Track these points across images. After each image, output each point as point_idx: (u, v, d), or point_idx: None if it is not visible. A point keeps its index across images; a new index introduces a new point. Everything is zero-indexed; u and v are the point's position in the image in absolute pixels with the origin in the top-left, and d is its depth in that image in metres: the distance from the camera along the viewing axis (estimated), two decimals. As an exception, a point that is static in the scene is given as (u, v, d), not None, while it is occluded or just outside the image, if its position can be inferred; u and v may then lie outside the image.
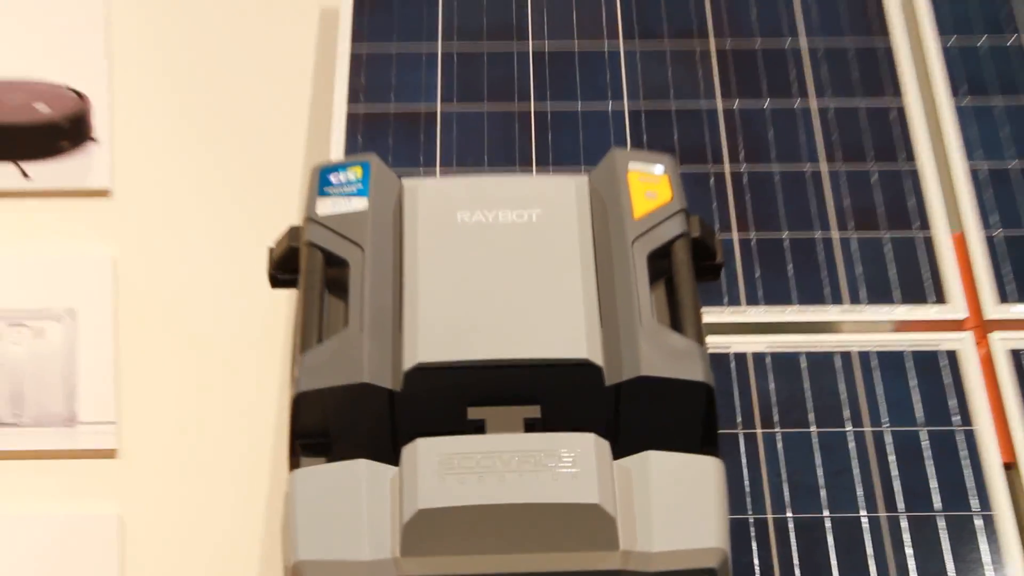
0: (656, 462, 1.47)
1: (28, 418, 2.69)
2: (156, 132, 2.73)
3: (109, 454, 2.69)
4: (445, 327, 1.55)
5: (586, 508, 1.42)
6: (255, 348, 2.65)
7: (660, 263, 1.60)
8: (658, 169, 1.67)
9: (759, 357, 1.76)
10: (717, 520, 1.45)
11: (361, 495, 1.47)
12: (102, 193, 2.70)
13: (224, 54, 2.72)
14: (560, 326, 1.54)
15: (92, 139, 2.72)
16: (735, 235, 1.84)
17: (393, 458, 1.51)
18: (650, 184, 1.65)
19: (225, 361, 2.67)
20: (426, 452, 1.46)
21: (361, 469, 1.48)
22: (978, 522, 1.63)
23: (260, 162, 2.69)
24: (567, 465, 1.43)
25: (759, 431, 1.70)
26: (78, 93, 2.71)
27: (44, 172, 2.71)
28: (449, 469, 1.44)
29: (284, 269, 1.67)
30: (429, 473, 1.44)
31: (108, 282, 2.70)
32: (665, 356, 1.52)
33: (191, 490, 2.68)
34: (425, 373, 1.52)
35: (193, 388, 2.68)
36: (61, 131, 2.71)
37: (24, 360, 2.69)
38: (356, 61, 2.02)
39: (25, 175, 2.71)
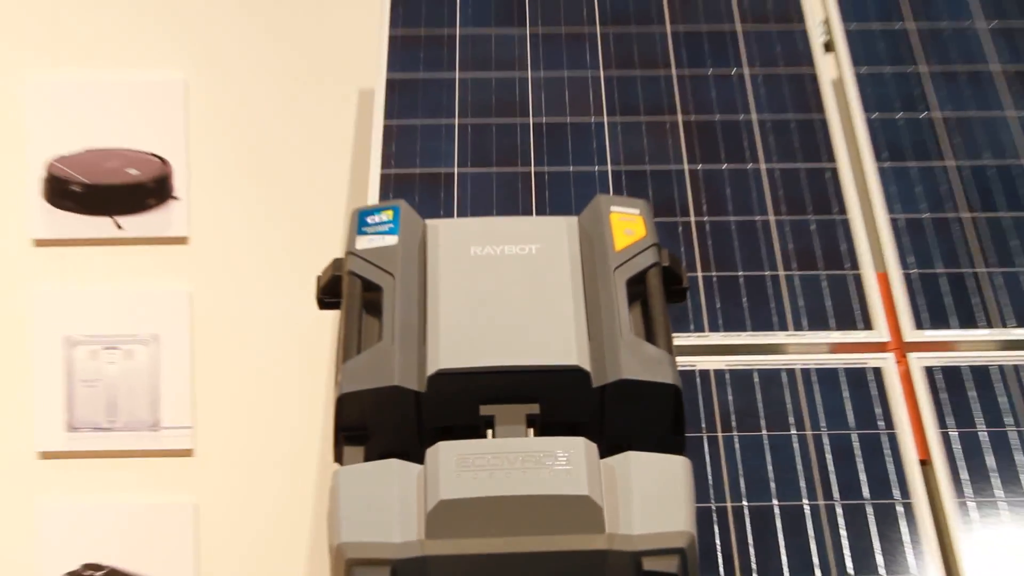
0: (635, 461, 1.45)
1: (120, 424, 2.69)
2: (225, 190, 2.72)
3: (186, 453, 2.69)
4: (461, 339, 1.53)
5: (578, 499, 1.40)
6: (306, 359, 2.65)
7: (637, 287, 1.59)
8: (635, 210, 1.65)
9: (719, 374, 1.74)
10: (686, 508, 1.42)
11: (392, 489, 1.45)
12: (181, 240, 2.70)
13: (281, 126, 2.72)
14: (555, 338, 1.53)
15: (173, 197, 2.71)
16: (699, 273, 1.82)
17: (418, 448, 1.49)
18: (628, 223, 1.64)
19: (282, 372, 2.67)
20: (446, 452, 1.43)
21: (393, 467, 1.46)
22: (899, 509, 1.61)
23: (309, 212, 2.69)
24: (562, 463, 1.41)
25: (720, 435, 1.68)
26: (162, 159, 2.71)
27: (134, 224, 2.70)
28: (465, 467, 1.42)
29: (329, 294, 1.65)
30: (448, 470, 1.42)
31: (186, 312, 2.70)
32: (641, 362, 1.50)
33: (254, 483, 2.67)
34: (445, 377, 1.51)
35: (256, 396, 2.68)
36: (148, 191, 2.71)
37: (117, 376, 2.68)
38: (388, 132, 2.00)
39: (119, 227, 2.70)
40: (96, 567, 2.66)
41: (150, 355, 2.69)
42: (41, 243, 2.69)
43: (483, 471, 1.41)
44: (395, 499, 1.44)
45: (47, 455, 2.67)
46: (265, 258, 2.69)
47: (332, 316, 1.68)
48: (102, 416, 2.68)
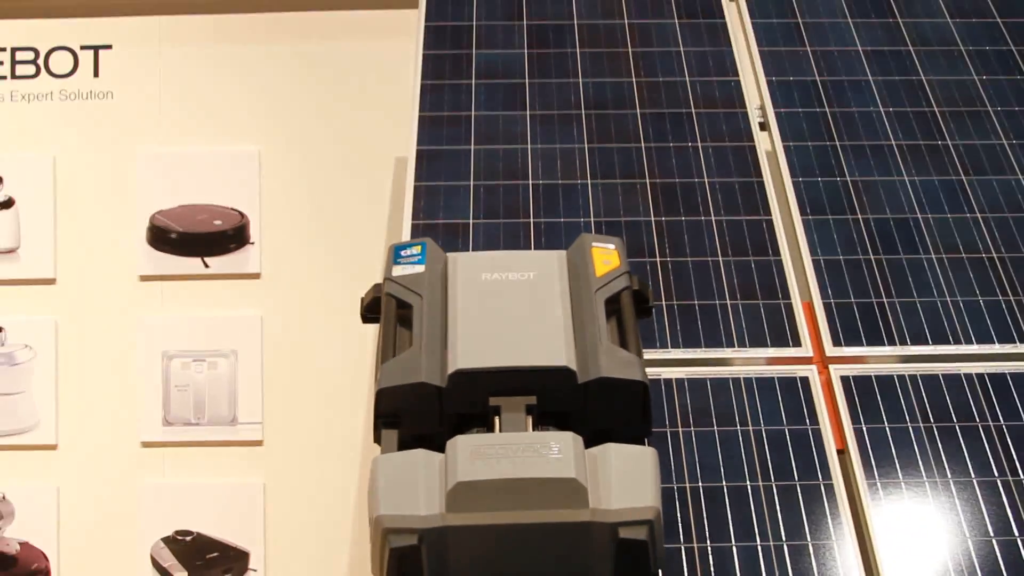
0: (613, 450, 1.44)
1: (205, 420, 2.67)
2: (290, 237, 2.74)
3: (257, 443, 2.68)
4: (474, 345, 1.52)
5: (567, 481, 1.39)
6: (352, 366, 2.65)
7: (613, 305, 1.58)
8: (611, 246, 1.65)
9: (680, 381, 1.71)
10: (653, 488, 1.41)
11: (419, 473, 1.43)
12: (255, 276, 2.71)
13: (334, 186, 2.75)
14: (549, 344, 1.51)
15: (250, 242, 2.71)
16: (663, 302, 1.80)
17: (440, 431, 1.49)
18: (606, 255, 1.63)
19: (334, 377, 2.68)
20: (463, 444, 1.42)
21: (419, 456, 1.45)
22: (822, 489, 1.59)
23: (355, 253, 2.70)
24: (555, 453, 1.40)
25: (680, 430, 1.65)
26: (241, 213, 2.72)
27: (219, 263, 2.71)
28: (477, 455, 1.41)
29: (371, 311, 1.64)
30: (464, 458, 1.41)
31: (258, 332, 2.70)
32: (616, 364, 1.49)
33: (311, 467, 2.66)
34: (461, 375, 1.49)
35: (313, 398, 2.68)
36: (230, 237, 2.71)
37: (203, 382, 2.68)
38: (417, 192, 1.98)
39: (206, 265, 2.70)
40: (186, 533, 2.65)
41: (230, 366, 2.68)
42: (145, 278, 2.70)
43: (492, 459, 1.40)
44: (421, 481, 1.42)
45: (147, 444, 2.67)
46: (321, 288, 2.71)
47: (373, 329, 1.66)
48: (191, 413, 2.67)
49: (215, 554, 2.64)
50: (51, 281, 2.70)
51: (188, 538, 2.65)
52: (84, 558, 2.66)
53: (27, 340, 2.68)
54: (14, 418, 2.67)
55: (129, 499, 2.66)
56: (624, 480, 1.41)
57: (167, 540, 2.65)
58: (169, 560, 2.64)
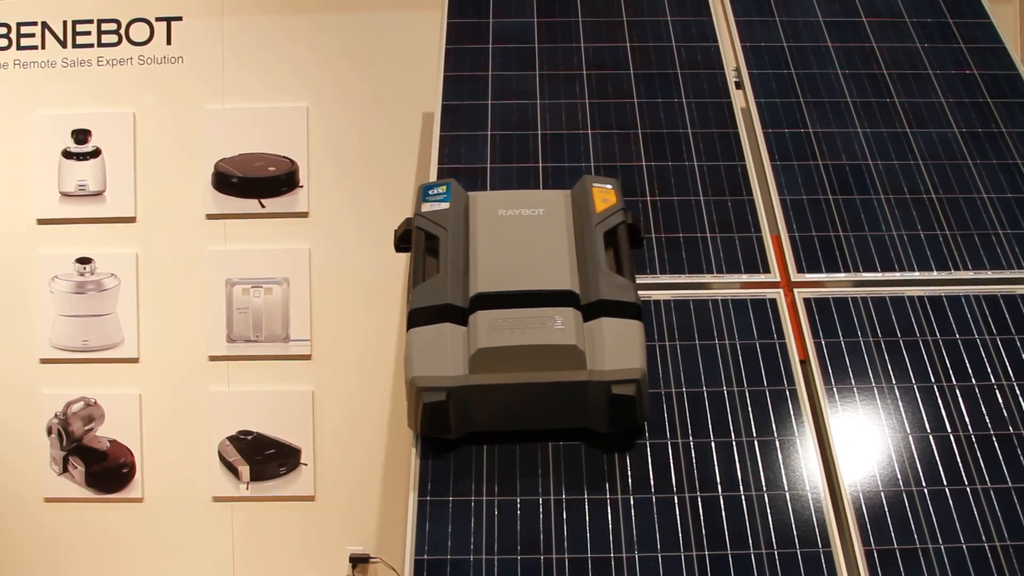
0: (607, 323, 1.48)
1: (263, 337, 2.67)
2: (333, 181, 2.72)
3: (307, 357, 2.68)
4: (492, 271, 1.53)
5: (569, 347, 1.43)
6: (387, 288, 2.65)
7: (610, 237, 1.59)
8: (609, 185, 1.66)
9: (667, 302, 1.70)
10: (640, 354, 1.45)
11: (447, 341, 1.46)
12: (304, 215, 2.70)
13: (371, 136, 2.73)
14: (555, 270, 1.52)
15: (299, 186, 2.70)
16: (653, 235, 1.78)
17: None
18: (604, 194, 1.64)
19: (371, 300, 2.67)
20: (482, 317, 1.47)
21: (447, 328, 1.48)
22: (787, 393, 1.57)
23: (389, 193, 2.67)
24: (559, 324, 1.45)
25: (667, 343, 1.64)
26: (291, 160, 2.70)
27: (273, 204, 2.69)
28: (495, 327, 1.45)
29: (403, 242, 1.65)
30: (484, 328, 1.45)
31: (306, 263, 2.69)
32: (613, 288, 1.51)
33: (352, 376, 2.67)
34: (481, 297, 1.50)
35: (354, 315, 2.68)
36: (282, 181, 2.69)
37: (261, 305, 2.67)
38: (443, 140, 1.95)
39: (262, 206, 2.69)
40: (247, 432, 2.65)
41: (283, 292, 2.67)
42: (211, 216, 2.69)
43: (507, 329, 1.44)
44: (448, 348, 1.46)
45: (214, 358, 2.66)
46: (360, 224, 2.69)
47: (403, 257, 1.65)
48: (251, 332, 2.66)
49: (272, 450, 2.65)
50: (132, 219, 2.69)
51: (249, 437, 2.65)
52: (162, 453, 2.67)
53: (113, 270, 2.67)
54: (103, 336, 2.66)
55: (199, 404, 2.66)
56: (616, 347, 1.44)
57: (231, 439, 2.65)
58: (234, 455, 2.64)
